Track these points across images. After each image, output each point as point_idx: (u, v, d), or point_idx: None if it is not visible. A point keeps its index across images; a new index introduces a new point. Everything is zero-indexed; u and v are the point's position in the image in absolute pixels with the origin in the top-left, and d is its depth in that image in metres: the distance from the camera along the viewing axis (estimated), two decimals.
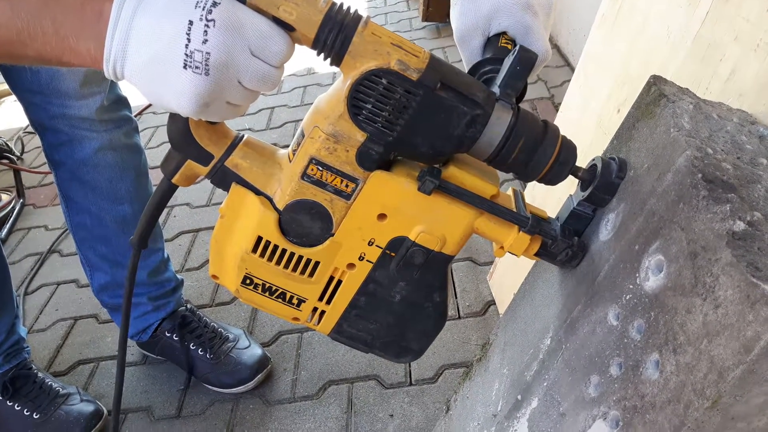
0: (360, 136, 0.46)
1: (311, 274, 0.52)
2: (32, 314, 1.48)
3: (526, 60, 0.47)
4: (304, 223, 0.49)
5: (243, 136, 0.52)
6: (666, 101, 0.59)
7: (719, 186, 0.46)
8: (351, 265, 0.51)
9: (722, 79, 0.73)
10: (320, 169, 0.47)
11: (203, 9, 0.40)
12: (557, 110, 1.93)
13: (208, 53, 0.40)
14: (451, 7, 0.60)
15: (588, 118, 1.04)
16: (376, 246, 0.50)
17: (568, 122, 1.13)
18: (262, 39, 0.42)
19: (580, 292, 0.58)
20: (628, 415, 0.46)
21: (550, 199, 1.11)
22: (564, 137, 0.49)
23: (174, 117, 0.49)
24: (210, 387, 1.18)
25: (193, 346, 1.18)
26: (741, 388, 0.38)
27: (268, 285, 0.53)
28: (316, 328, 0.56)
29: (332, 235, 0.50)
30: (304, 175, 0.47)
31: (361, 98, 0.44)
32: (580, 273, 0.60)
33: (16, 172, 2.04)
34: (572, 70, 2.16)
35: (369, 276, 0.52)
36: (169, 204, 0.57)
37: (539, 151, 0.47)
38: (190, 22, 0.40)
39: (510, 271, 1.21)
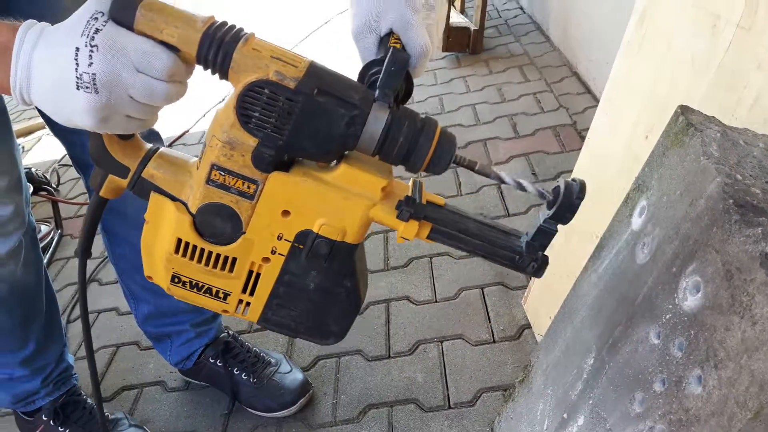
0: (252, 142, 0.49)
1: (231, 270, 0.56)
2: (75, 342, 1.54)
3: (399, 60, 0.51)
4: (216, 224, 0.53)
5: (157, 149, 0.57)
6: (694, 130, 0.62)
7: (750, 210, 0.49)
8: (266, 259, 0.55)
9: (747, 106, 0.76)
10: (222, 174, 0.51)
11: (87, 36, 0.45)
12: (580, 136, 1.97)
13: (94, 74, 0.46)
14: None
15: (616, 144, 1.07)
16: (285, 240, 0.54)
17: (595, 148, 1.16)
18: (145, 56, 0.46)
19: (620, 314, 0.61)
20: (674, 428, 0.49)
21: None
22: (443, 130, 0.51)
23: (93, 136, 0.55)
24: (253, 411, 1.21)
25: (236, 371, 1.22)
26: None
27: (194, 282, 0.57)
28: (246, 318, 0.59)
29: (244, 233, 0.54)
30: (209, 180, 0.51)
31: (248, 107, 0.48)
32: (620, 296, 0.63)
33: (54, 204, 2.12)
34: (593, 97, 2.19)
35: (283, 268, 0.56)
36: None
37: (419, 144, 0.50)
38: (77, 49, 0.45)
39: (545, 295, 1.23)
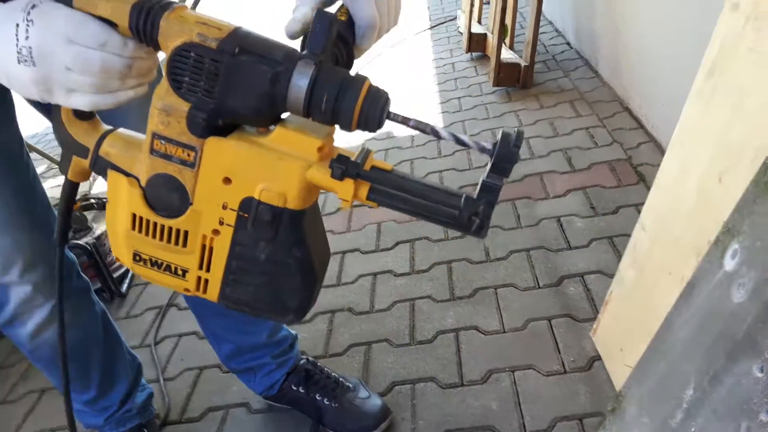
0: (185, 107, 0.50)
1: (184, 244, 0.56)
2: (160, 363, 1.64)
3: (323, 18, 0.50)
4: (164, 196, 0.55)
5: (113, 129, 0.59)
6: None
7: None
8: (216, 231, 0.56)
9: None
10: (163, 142, 0.52)
11: (24, 12, 0.48)
12: (636, 171, 2.02)
13: (30, 47, 0.48)
14: None
15: (688, 184, 1.13)
16: (230, 209, 0.54)
17: (665, 189, 1.21)
18: (76, 26, 0.48)
19: (719, 349, 0.66)
20: None
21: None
22: (372, 85, 0.50)
23: (54, 118, 0.58)
24: None
25: (318, 396, 1.28)
26: None
27: (154, 259, 0.58)
28: (206, 297, 0.59)
29: (191, 204, 0.54)
30: (152, 151, 0.53)
31: (177, 72, 0.50)
32: (717, 332, 0.68)
33: None
34: (646, 132, 2.24)
35: (233, 239, 0.56)
36: None
37: (346, 98, 0.49)
38: (17, 25, 0.49)
39: (616, 328, 1.28)
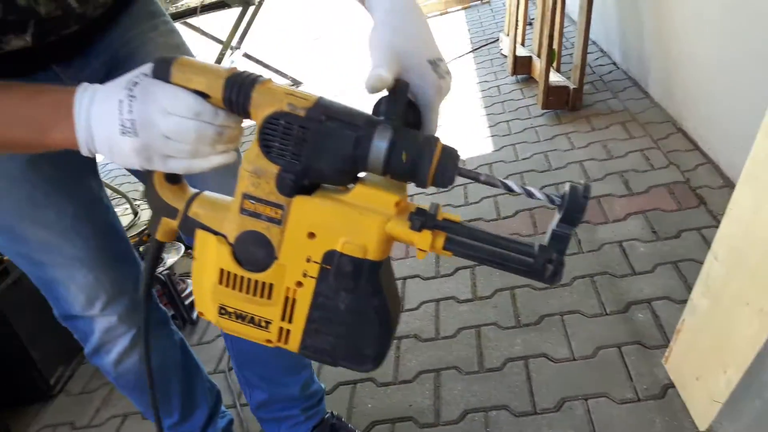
0: (275, 169, 0.55)
1: (269, 296, 0.60)
2: (235, 389, 1.71)
3: (399, 90, 0.57)
4: (251, 252, 0.59)
5: (200, 192, 0.64)
6: None
7: None
8: (299, 283, 0.59)
9: None
10: (253, 202, 0.57)
11: (127, 89, 0.55)
12: (695, 194, 2.01)
13: (133, 119, 0.55)
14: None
15: (763, 216, 1.14)
16: (314, 262, 0.58)
17: (739, 221, 1.23)
18: (173, 99, 0.55)
19: None
20: None
21: None
22: (445, 145, 0.55)
23: (147, 184, 0.64)
24: None
25: None
26: None
27: (239, 312, 0.62)
28: (287, 347, 0.63)
29: (276, 258, 0.59)
30: (242, 210, 0.58)
31: (268, 138, 0.55)
32: None
33: None
34: (702, 154, 2.23)
35: (316, 290, 0.59)
36: None
37: (422, 159, 0.53)
38: (120, 101, 0.55)
39: (689, 355, 1.29)
